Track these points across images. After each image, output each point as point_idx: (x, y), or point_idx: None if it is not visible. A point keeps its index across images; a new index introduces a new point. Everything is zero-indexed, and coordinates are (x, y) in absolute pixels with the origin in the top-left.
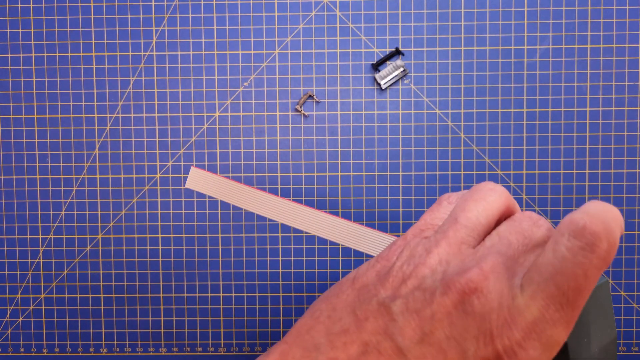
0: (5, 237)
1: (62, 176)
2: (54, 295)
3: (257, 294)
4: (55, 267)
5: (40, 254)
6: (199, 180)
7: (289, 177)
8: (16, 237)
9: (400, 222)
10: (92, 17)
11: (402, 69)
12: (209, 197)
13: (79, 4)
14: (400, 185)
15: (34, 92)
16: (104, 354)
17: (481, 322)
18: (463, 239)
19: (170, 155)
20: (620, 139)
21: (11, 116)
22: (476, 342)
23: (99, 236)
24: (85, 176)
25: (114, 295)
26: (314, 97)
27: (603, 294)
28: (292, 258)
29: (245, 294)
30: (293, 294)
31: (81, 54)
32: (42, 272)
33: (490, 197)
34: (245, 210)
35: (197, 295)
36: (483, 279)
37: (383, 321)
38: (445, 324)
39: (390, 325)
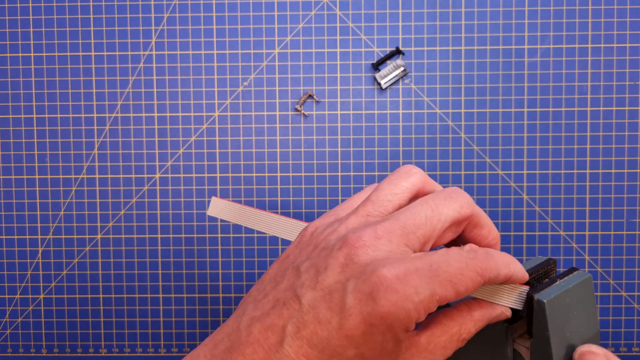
0: (4, 237)
1: (61, 176)
2: (53, 296)
3: None
4: (54, 267)
5: (40, 254)
6: (221, 208)
7: (288, 177)
8: (15, 237)
9: None
10: (92, 16)
11: (402, 69)
12: (209, 197)
13: (78, 4)
14: None
15: (33, 91)
16: (103, 354)
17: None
18: (369, 212)
19: (170, 155)
20: (621, 138)
21: (10, 116)
22: (355, 280)
23: (98, 236)
24: (85, 176)
25: (113, 296)
26: (314, 96)
27: (585, 289)
28: None
29: (245, 295)
30: None
31: (80, 54)
32: (41, 272)
33: (404, 178)
34: (268, 234)
35: (197, 295)
36: (374, 238)
37: (292, 280)
38: (336, 272)
39: (296, 282)
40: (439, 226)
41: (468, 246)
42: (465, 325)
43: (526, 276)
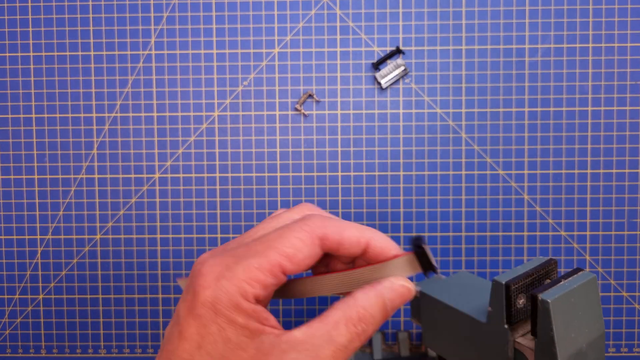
0: (3, 237)
1: (60, 176)
2: (53, 296)
3: None
4: (53, 267)
5: (39, 254)
6: None
7: (288, 177)
8: (14, 237)
9: (401, 222)
10: (91, 16)
11: (402, 68)
12: (208, 197)
13: (78, 3)
14: (401, 185)
15: (32, 91)
16: (102, 354)
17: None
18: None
19: (169, 155)
20: (622, 138)
21: (9, 116)
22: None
23: (98, 236)
24: (84, 176)
25: (112, 296)
26: (314, 96)
27: (590, 290)
28: None
29: None
30: None
31: (79, 53)
32: (40, 272)
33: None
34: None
35: None
36: (210, 255)
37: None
38: (182, 300)
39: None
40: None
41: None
42: (348, 306)
43: (390, 247)
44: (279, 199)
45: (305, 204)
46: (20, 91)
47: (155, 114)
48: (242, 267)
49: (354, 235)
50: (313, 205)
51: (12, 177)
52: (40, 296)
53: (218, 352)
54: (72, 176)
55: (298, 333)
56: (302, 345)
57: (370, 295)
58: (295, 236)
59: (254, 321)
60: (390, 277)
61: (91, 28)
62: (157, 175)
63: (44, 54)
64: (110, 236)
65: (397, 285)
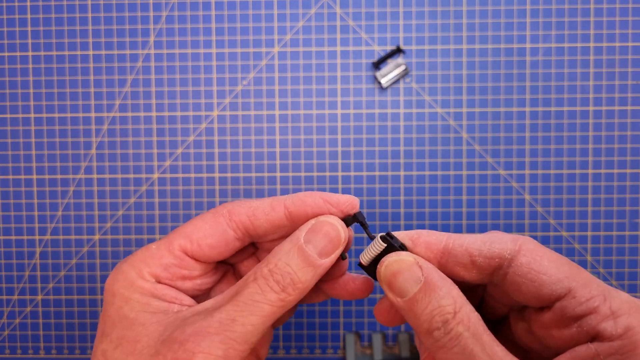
0: (1, 237)
1: (59, 176)
2: (51, 297)
3: None
4: (52, 268)
5: (37, 255)
6: None
7: (288, 177)
8: (13, 237)
9: (402, 222)
10: (90, 15)
11: (403, 68)
12: (207, 197)
13: (77, 2)
14: (402, 186)
15: (31, 91)
16: None
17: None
18: None
19: (168, 155)
20: (623, 138)
21: (8, 115)
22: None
23: (97, 237)
24: (83, 176)
25: None
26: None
27: None
28: None
29: None
30: None
31: (78, 53)
32: (39, 273)
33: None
34: None
35: None
36: None
37: None
38: None
39: None
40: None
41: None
42: (260, 268)
43: (320, 207)
44: None
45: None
46: (19, 91)
47: (154, 114)
48: (140, 251)
49: (266, 202)
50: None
51: (10, 177)
52: (39, 297)
53: (116, 334)
54: (70, 176)
55: (209, 303)
56: (214, 312)
57: (285, 244)
58: (199, 218)
59: (156, 299)
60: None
61: (90, 27)
62: (156, 176)
63: (42, 53)
64: (109, 237)
65: (316, 223)
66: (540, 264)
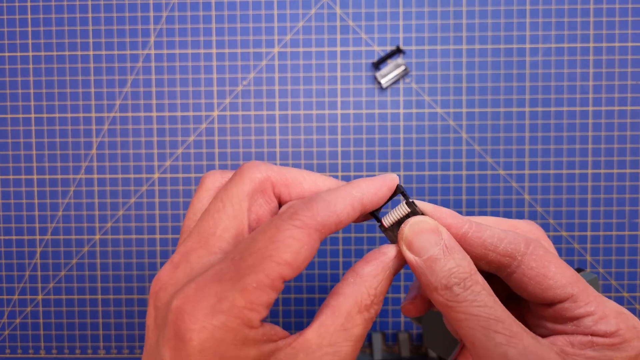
0: (2, 237)
1: (59, 176)
2: (52, 297)
3: None
4: (52, 268)
5: (38, 255)
6: None
7: None
8: (13, 237)
9: None
10: (90, 15)
11: (403, 68)
12: None
13: (77, 3)
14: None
15: (32, 91)
16: (101, 355)
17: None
18: None
19: (169, 155)
20: (623, 138)
21: (8, 116)
22: (160, 331)
23: (97, 237)
24: (83, 176)
25: (112, 297)
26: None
27: None
28: None
29: None
30: (292, 296)
31: (79, 53)
32: (39, 273)
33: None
34: None
35: None
36: (171, 269)
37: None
38: (163, 340)
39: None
40: (236, 208)
41: (283, 207)
42: (358, 291)
43: (379, 193)
44: None
45: (248, 163)
46: (20, 91)
47: (154, 114)
48: (238, 292)
49: (347, 204)
50: (257, 161)
51: (11, 177)
52: (40, 297)
53: None
54: (71, 176)
55: (311, 335)
56: (319, 348)
57: (377, 270)
58: (290, 237)
59: (266, 344)
60: (389, 246)
61: (90, 28)
62: (156, 176)
63: (43, 53)
64: (110, 236)
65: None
66: (548, 269)
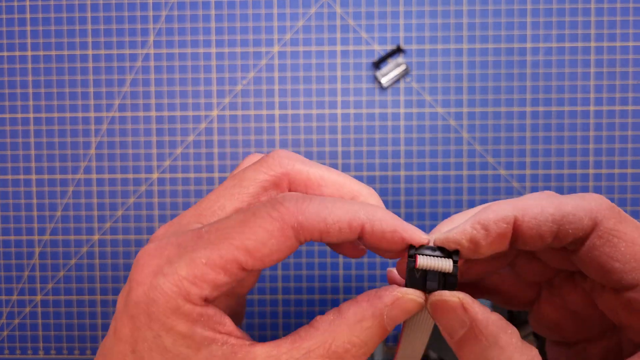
0: (0, 237)
1: (58, 176)
2: (51, 297)
3: (256, 297)
4: (51, 268)
5: (37, 255)
6: None
7: None
8: (12, 237)
9: None
10: (89, 14)
11: (403, 67)
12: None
13: (76, 2)
14: (402, 186)
15: (30, 90)
16: None
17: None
18: None
19: (168, 155)
20: (624, 138)
21: (7, 115)
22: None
23: (96, 237)
24: (82, 176)
25: (111, 297)
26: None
27: None
28: (292, 260)
29: None
30: (292, 296)
31: (77, 52)
32: (38, 273)
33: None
34: None
35: None
36: (155, 236)
37: None
38: (122, 289)
39: None
40: (243, 191)
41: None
42: (331, 333)
43: (395, 227)
44: None
45: (279, 152)
46: (18, 91)
47: (153, 114)
48: (185, 262)
49: (343, 219)
50: (290, 153)
51: (9, 177)
52: (38, 297)
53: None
54: (70, 176)
55: (260, 350)
56: None
57: (366, 314)
58: (260, 225)
59: (202, 327)
60: (390, 288)
61: (89, 27)
62: (155, 176)
63: (41, 53)
64: (109, 237)
65: (413, 302)
66: (616, 248)
